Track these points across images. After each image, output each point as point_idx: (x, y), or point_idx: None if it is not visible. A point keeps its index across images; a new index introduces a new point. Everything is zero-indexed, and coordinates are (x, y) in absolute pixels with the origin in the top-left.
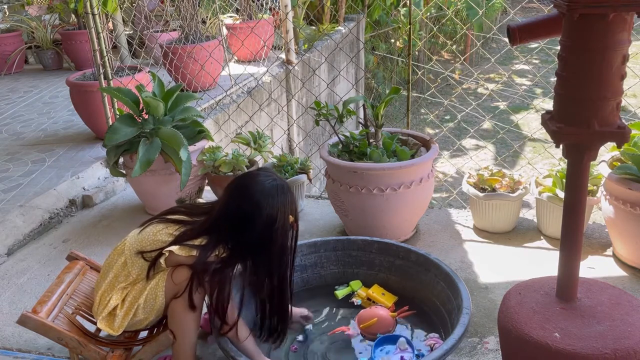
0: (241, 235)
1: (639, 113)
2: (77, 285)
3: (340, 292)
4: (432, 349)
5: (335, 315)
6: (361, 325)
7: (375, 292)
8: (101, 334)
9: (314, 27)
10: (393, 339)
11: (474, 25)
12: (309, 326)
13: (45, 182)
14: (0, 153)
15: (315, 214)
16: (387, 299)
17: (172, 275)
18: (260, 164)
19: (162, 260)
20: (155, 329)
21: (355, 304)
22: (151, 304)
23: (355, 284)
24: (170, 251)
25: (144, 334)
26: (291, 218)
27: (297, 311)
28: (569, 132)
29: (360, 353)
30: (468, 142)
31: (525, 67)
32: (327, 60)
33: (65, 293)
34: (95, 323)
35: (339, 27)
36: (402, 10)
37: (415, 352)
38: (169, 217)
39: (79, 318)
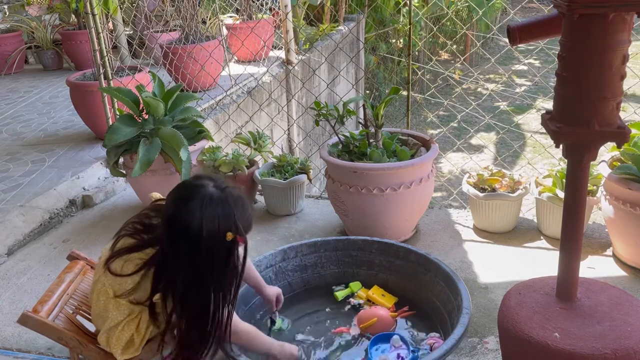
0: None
1: (639, 113)
2: (78, 284)
3: (340, 294)
4: (432, 349)
5: (335, 315)
6: (361, 325)
7: (375, 293)
8: None
9: (313, 27)
10: (386, 338)
11: (480, 24)
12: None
13: (45, 182)
14: (0, 153)
15: (315, 214)
16: (387, 300)
17: None
18: (261, 164)
19: (159, 306)
20: None
21: (353, 304)
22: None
23: (355, 286)
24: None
25: None
26: (229, 235)
27: (271, 291)
28: (569, 132)
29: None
30: (468, 142)
31: (524, 67)
32: (327, 60)
33: (66, 293)
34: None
35: (339, 27)
36: (403, 10)
37: (411, 349)
38: (130, 244)
39: (79, 318)
